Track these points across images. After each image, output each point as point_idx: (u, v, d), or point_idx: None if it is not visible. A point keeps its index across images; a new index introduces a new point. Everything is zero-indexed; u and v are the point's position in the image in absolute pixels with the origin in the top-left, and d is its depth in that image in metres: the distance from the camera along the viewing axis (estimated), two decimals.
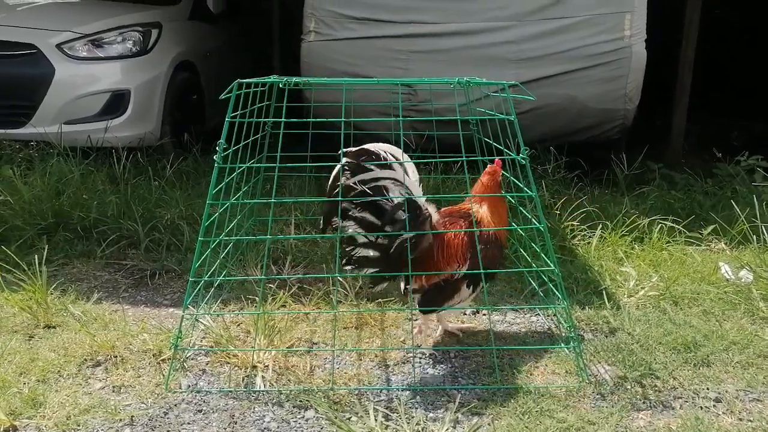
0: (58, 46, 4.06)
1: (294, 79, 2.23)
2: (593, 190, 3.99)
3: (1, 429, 1.70)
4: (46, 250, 2.65)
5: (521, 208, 2.46)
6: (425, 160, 2.66)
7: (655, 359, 2.13)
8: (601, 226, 3.19)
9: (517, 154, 2.10)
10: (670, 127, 5.06)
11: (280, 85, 2.21)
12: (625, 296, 2.63)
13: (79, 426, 1.74)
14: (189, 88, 4.80)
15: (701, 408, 1.89)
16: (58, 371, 2.00)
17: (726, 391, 1.98)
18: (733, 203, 3.39)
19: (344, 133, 2.07)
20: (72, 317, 2.34)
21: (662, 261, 2.96)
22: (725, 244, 3.24)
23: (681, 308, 2.55)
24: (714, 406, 1.91)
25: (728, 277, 2.83)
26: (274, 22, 5.78)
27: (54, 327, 2.30)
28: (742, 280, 2.79)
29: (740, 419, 1.84)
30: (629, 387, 1.97)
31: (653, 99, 4.81)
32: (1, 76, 3.99)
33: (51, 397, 1.85)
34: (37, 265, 2.41)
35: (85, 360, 2.07)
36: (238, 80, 2.05)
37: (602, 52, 4.11)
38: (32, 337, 2.23)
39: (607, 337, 2.32)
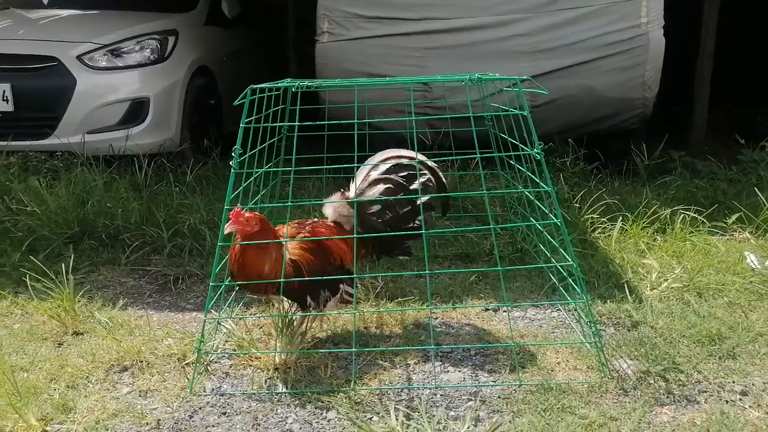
0: (79, 57, 4.13)
1: (306, 83, 2.25)
2: (613, 181, 3.94)
3: None
4: (72, 259, 2.71)
5: (538, 203, 2.45)
6: (441, 159, 2.65)
7: (678, 353, 2.10)
8: (621, 218, 3.15)
9: (532, 149, 2.09)
10: (691, 118, 4.96)
11: (293, 89, 2.23)
12: (648, 289, 2.60)
13: (108, 430, 1.79)
14: (206, 93, 4.85)
15: (727, 402, 1.86)
16: (87, 377, 2.05)
17: (752, 384, 1.95)
18: (758, 191, 3.32)
19: (359, 133, 2.09)
20: (99, 324, 2.39)
21: (685, 252, 2.91)
22: (750, 233, 3.18)
23: (705, 300, 2.51)
24: (740, 399, 1.88)
25: (754, 267, 2.78)
26: (288, 24, 5.81)
27: (82, 334, 2.35)
28: None
29: (767, 413, 1.81)
30: (652, 381, 1.95)
31: (672, 84, 4.72)
32: (25, 88, 4.08)
33: (80, 402, 1.91)
34: (64, 274, 2.46)
35: (113, 365, 2.12)
36: (251, 86, 2.07)
37: (619, 40, 4.06)
38: (61, 344, 2.29)
39: (629, 330, 2.30)
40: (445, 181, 2.25)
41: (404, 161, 2.21)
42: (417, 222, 2.21)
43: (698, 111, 4.89)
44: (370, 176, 2.23)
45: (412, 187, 2.20)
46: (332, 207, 2.25)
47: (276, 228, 2.14)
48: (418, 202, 2.19)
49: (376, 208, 2.21)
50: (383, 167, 2.23)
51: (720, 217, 3.26)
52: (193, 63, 4.58)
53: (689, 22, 4.94)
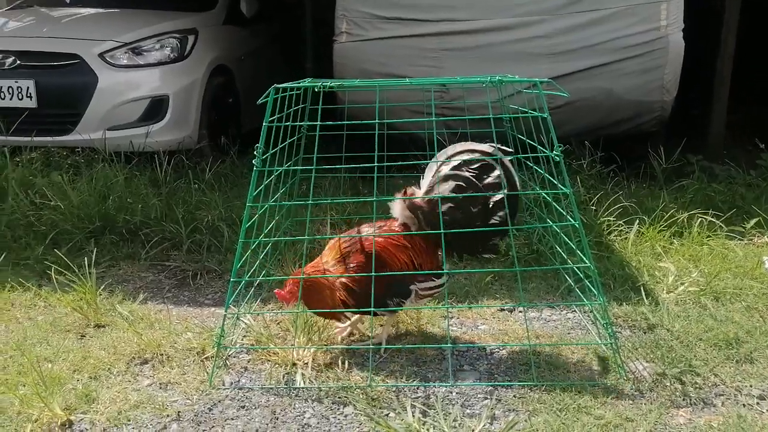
0: (101, 55, 4.20)
1: (328, 83, 2.27)
2: (630, 184, 3.93)
3: (59, 423, 1.80)
4: (94, 253, 2.77)
5: (556, 205, 2.46)
6: (458, 159, 2.66)
7: (695, 356, 2.10)
8: (638, 221, 3.15)
9: (551, 151, 2.10)
10: (710, 119, 4.92)
11: (315, 89, 2.26)
12: (664, 292, 2.59)
13: (129, 421, 1.82)
14: (225, 92, 4.91)
15: (744, 405, 1.86)
16: (109, 368, 2.10)
17: None
18: None
19: (378, 134, 2.11)
20: (120, 317, 2.43)
21: (702, 256, 2.90)
22: None
23: (722, 304, 2.51)
24: (758, 403, 1.87)
25: None
26: (305, 23, 5.86)
27: (103, 326, 2.40)
28: None
29: None
30: (668, 384, 1.95)
31: (690, 87, 4.68)
32: (48, 85, 4.16)
33: (103, 393, 1.95)
34: (86, 267, 2.52)
35: (133, 358, 2.16)
36: (275, 85, 2.10)
37: (638, 43, 4.04)
38: (84, 336, 2.33)
39: (645, 333, 2.30)
40: (516, 179, 2.13)
41: (477, 156, 2.09)
42: (497, 218, 2.09)
43: (716, 113, 4.85)
44: (440, 171, 2.11)
45: (483, 183, 2.09)
46: (399, 207, 2.15)
47: (328, 249, 2.16)
48: (491, 201, 2.08)
49: (446, 206, 2.09)
50: (454, 162, 2.11)
51: (738, 221, 3.24)
52: (212, 62, 4.64)
53: (704, 20, 4.89)
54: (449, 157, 2.13)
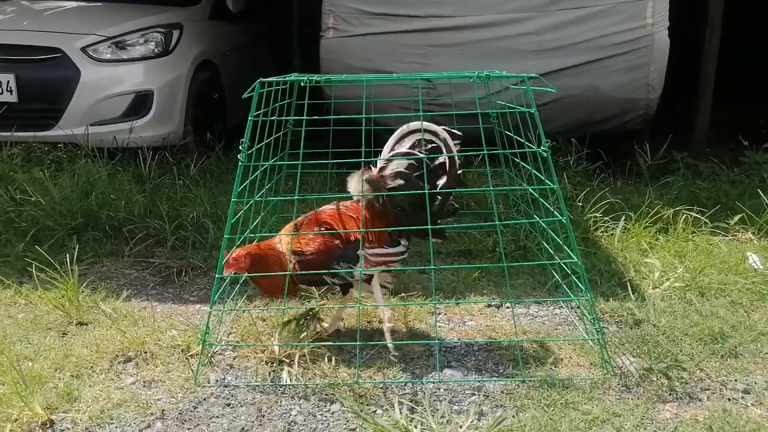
0: (83, 49, 4.13)
1: (315, 77, 2.25)
2: (616, 181, 3.95)
3: (39, 422, 1.76)
4: (76, 250, 2.72)
5: (543, 201, 2.46)
6: (446, 155, 2.65)
7: (681, 351, 2.11)
8: (624, 217, 3.16)
9: (539, 147, 2.10)
10: (694, 117, 4.97)
11: (301, 84, 2.24)
12: (650, 288, 2.60)
13: (112, 420, 1.79)
14: (210, 87, 4.85)
15: (729, 399, 1.87)
16: (91, 367, 2.06)
17: (755, 383, 1.96)
18: (761, 192, 3.33)
19: (365, 129, 2.09)
20: (103, 314, 2.39)
21: (687, 252, 2.92)
22: (753, 233, 3.19)
23: (708, 299, 2.52)
24: (742, 397, 1.89)
25: (756, 267, 2.79)
26: (292, 19, 5.83)
27: (86, 324, 2.36)
28: None
29: None
30: (655, 379, 1.96)
31: (674, 85, 4.72)
32: (29, 79, 4.08)
33: (85, 391, 1.91)
34: (68, 264, 2.47)
35: (117, 356, 2.13)
36: (261, 79, 2.08)
37: (624, 41, 4.06)
38: (65, 334, 2.29)
39: (631, 328, 2.31)
40: (458, 163, 2.16)
41: (428, 136, 2.12)
42: (441, 204, 2.12)
43: (702, 110, 4.89)
44: (394, 149, 2.14)
45: (435, 164, 2.11)
46: (354, 185, 2.17)
47: (288, 226, 2.15)
48: (439, 183, 2.11)
49: (397, 183, 2.12)
50: (408, 141, 2.14)
51: (722, 217, 3.27)
52: (197, 57, 4.58)
53: (689, 19, 4.93)
54: (404, 136, 2.15)
